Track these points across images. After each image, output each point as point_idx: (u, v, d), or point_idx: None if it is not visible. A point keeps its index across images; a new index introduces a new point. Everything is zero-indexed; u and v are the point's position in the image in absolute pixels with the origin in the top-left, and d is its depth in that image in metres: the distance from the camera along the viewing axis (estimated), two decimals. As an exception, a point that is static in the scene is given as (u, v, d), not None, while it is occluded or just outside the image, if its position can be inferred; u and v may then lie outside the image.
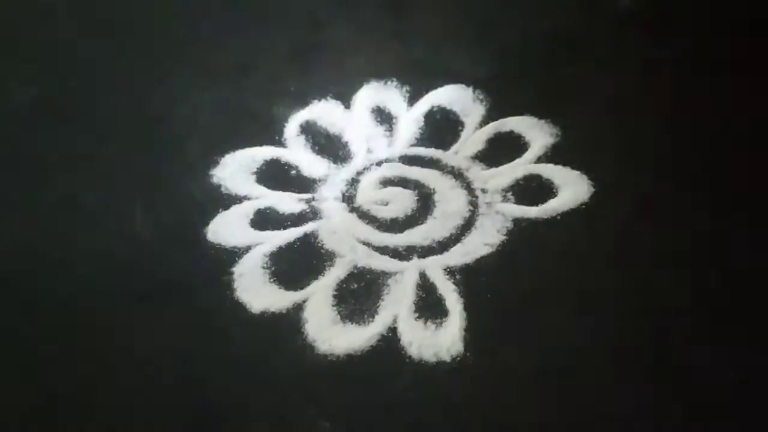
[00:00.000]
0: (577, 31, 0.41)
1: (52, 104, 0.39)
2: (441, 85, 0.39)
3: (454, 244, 0.33)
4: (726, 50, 0.40)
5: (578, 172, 0.35)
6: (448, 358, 0.29)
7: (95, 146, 0.37)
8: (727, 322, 0.30)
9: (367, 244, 0.33)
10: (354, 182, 0.36)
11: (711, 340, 0.30)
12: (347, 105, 0.39)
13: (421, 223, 0.34)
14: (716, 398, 0.28)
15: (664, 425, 0.28)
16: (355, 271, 0.32)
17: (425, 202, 0.35)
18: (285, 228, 0.34)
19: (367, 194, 0.35)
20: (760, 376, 0.29)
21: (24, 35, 0.42)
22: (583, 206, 0.34)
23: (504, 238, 0.33)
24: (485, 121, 0.38)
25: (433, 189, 0.35)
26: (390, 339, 0.30)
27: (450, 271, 0.32)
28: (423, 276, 0.32)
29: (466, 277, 0.32)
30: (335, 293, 0.31)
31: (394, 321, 0.30)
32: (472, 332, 0.30)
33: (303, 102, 0.39)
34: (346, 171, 0.36)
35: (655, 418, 0.28)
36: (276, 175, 0.36)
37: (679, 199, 0.34)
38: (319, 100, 0.39)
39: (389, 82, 0.39)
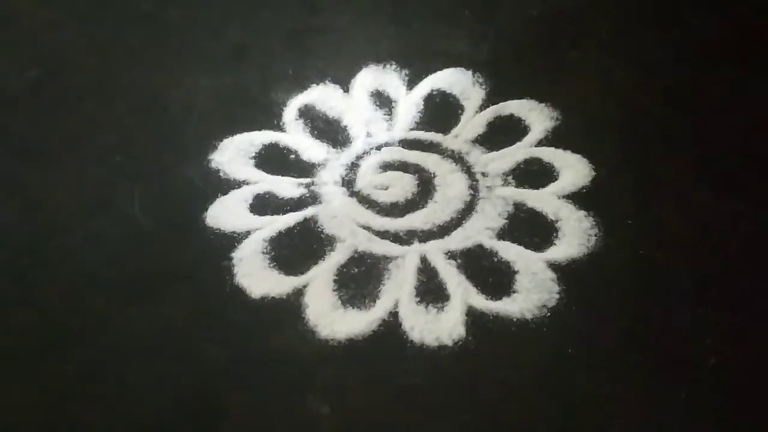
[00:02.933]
0: (579, 12, 0.42)
1: (51, 88, 0.39)
2: (440, 69, 0.39)
3: (455, 228, 0.33)
4: (726, 31, 0.40)
5: (579, 156, 0.35)
6: (449, 342, 0.30)
7: (94, 131, 0.38)
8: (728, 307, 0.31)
9: (367, 228, 0.34)
10: (354, 166, 0.36)
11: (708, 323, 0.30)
12: (346, 89, 0.39)
13: (422, 207, 0.34)
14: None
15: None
16: (356, 256, 0.32)
17: (426, 186, 0.35)
18: (284, 213, 0.34)
19: (367, 178, 0.35)
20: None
21: (22, 20, 0.42)
22: (584, 190, 0.34)
23: (505, 221, 0.34)
24: (485, 104, 0.38)
25: (434, 173, 0.36)
26: (391, 323, 0.30)
27: (451, 255, 0.32)
28: (424, 260, 0.32)
29: (468, 261, 0.32)
30: (336, 278, 0.32)
31: (396, 305, 0.31)
32: (473, 316, 0.30)
33: (302, 86, 0.39)
34: (346, 155, 0.36)
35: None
36: (275, 160, 0.36)
37: (680, 181, 0.34)
38: (318, 83, 0.39)
39: (388, 66, 0.40)
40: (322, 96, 0.38)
